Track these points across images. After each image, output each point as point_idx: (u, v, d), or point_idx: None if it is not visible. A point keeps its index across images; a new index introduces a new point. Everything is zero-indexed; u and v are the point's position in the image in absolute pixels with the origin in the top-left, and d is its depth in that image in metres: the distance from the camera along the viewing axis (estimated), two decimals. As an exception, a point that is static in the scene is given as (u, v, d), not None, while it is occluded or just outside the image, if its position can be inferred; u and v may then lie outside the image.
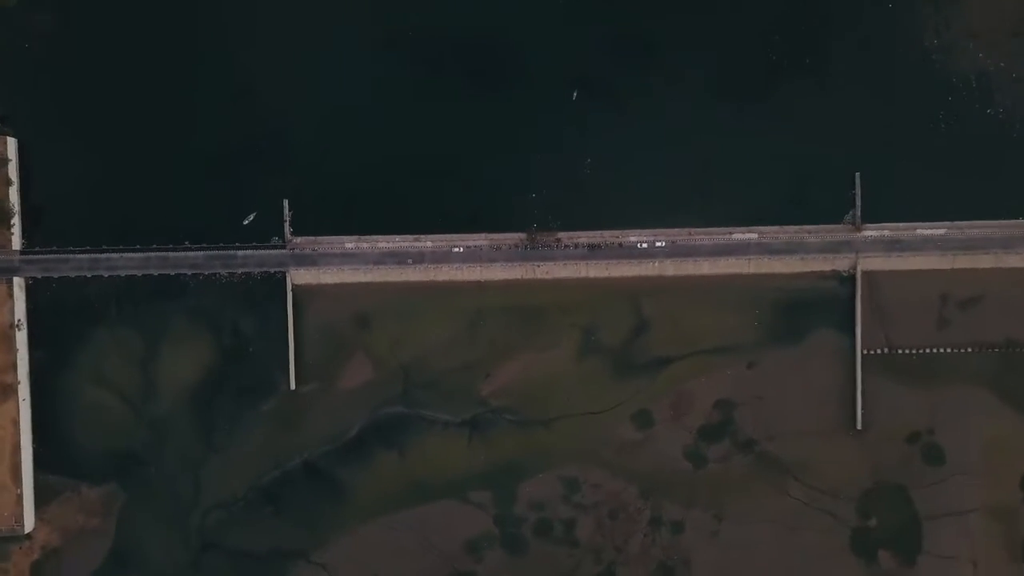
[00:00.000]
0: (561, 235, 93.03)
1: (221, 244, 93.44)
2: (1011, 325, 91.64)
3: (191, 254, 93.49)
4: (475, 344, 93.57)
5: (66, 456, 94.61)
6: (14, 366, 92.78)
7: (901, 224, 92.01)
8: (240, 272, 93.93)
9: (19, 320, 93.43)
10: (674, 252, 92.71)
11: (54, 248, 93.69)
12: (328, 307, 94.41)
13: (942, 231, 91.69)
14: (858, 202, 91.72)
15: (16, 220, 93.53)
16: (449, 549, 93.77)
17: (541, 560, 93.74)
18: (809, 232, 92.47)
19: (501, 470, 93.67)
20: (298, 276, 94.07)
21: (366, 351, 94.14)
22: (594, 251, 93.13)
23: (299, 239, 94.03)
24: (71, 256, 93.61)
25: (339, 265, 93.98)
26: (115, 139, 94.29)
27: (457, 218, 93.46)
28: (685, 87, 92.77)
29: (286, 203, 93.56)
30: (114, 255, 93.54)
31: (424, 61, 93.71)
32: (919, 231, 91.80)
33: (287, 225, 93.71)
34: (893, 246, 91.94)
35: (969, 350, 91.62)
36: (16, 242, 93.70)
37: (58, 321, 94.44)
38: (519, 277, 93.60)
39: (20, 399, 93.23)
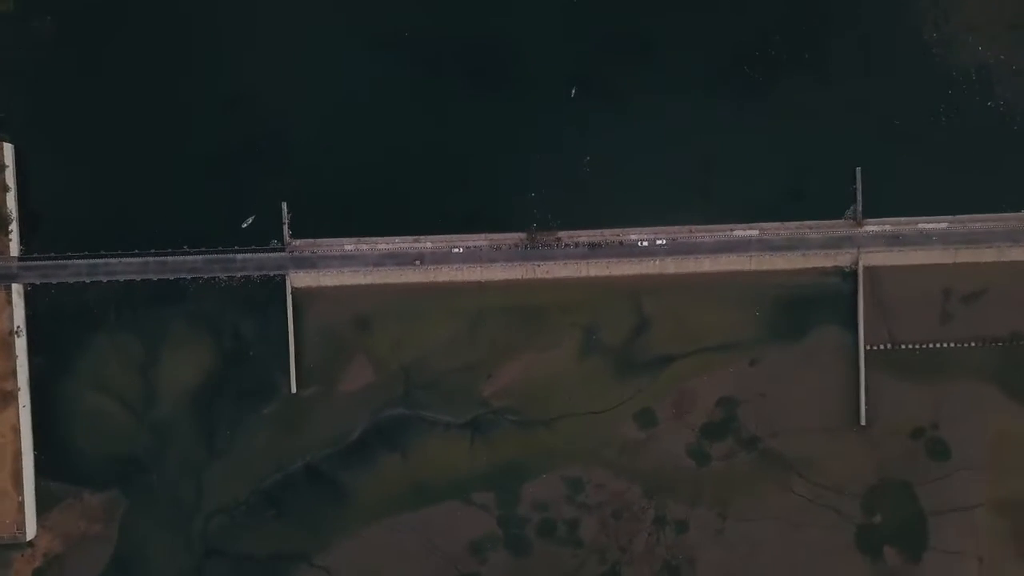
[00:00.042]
0: (561, 234, 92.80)
1: (220, 248, 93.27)
2: (1015, 319, 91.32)
3: (190, 258, 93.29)
4: (476, 345, 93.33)
5: (67, 462, 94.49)
6: (14, 373, 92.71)
7: (902, 219, 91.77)
8: (239, 276, 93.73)
9: (18, 327, 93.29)
10: (675, 250, 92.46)
11: (52, 254, 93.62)
12: (328, 309, 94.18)
13: (944, 225, 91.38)
14: (859, 197, 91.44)
15: (14, 226, 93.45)
16: (452, 551, 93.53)
17: (545, 561, 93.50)
18: (810, 228, 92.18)
19: (504, 471, 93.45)
20: (298, 279, 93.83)
21: (367, 353, 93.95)
22: (594, 250, 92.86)
23: (298, 242, 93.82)
24: (70, 262, 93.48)
25: (339, 267, 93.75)
26: (112, 144, 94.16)
27: (457, 218, 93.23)
28: (684, 85, 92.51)
29: (285, 206, 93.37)
30: (113, 260, 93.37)
31: (423, 61, 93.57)
32: (921, 225, 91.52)
33: (286, 228, 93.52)
34: (895, 241, 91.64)
35: (973, 344, 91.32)
36: (14, 248, 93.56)
37: (57, 327, 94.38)
38: (519, 277, 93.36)
39: (20, 406, 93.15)
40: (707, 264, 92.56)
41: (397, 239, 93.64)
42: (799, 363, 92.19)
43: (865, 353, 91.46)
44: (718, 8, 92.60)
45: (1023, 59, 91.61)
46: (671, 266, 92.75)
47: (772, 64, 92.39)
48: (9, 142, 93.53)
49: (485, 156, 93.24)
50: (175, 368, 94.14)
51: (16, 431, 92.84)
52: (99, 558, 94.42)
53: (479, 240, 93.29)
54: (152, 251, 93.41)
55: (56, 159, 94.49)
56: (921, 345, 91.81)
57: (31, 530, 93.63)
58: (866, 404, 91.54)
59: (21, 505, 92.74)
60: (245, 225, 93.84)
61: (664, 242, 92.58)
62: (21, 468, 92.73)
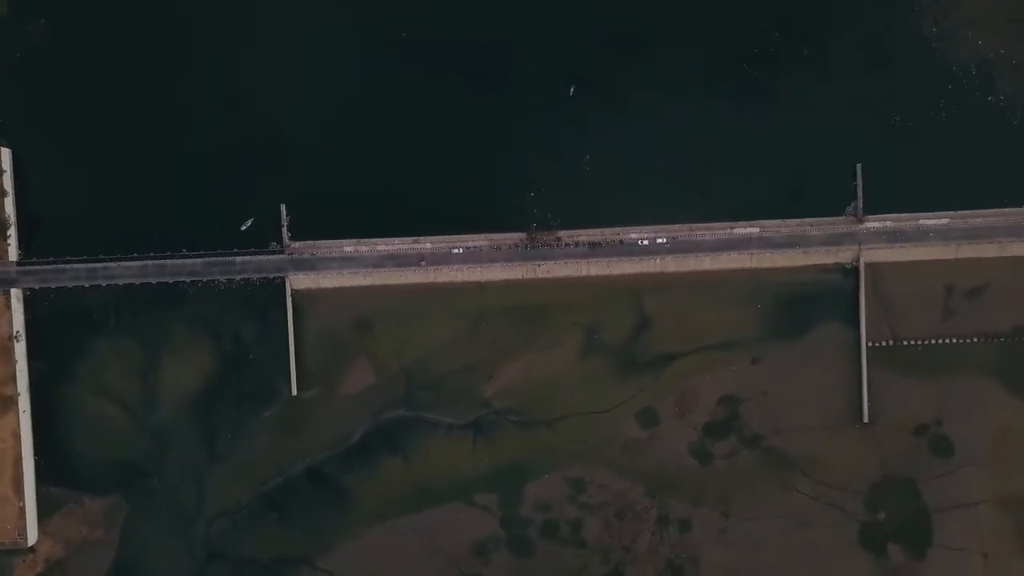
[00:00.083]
0: (561, 234, 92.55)
1: (219, 251, 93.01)
2: (1017, 314, 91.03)
3: (189, 261, 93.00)
4: (477, 345, 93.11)
5: (68, 468, 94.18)
6: (13, 378, 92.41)
7: (903, 215, 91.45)
8: (239, 278, 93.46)
9: (17, 331, 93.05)
10: (675, 248, 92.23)
11: (51, 258, 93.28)
12: (328, 311, 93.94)
13: (945, 221, 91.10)
14: (860, 193, 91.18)
15: (12, 231, 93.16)
16: (455, 552, 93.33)
17: (548, 561, 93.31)
18: (811, 225, 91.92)
19: (506, 472, 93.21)
20: (297, 281, 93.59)
21: (367, 355, 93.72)
22: (595, 249, 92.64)
23: (297, 244, 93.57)
24: (68, 266, 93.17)
25: (338, 269, 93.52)
26: (110, 147, 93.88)
27: (456, 219, 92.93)
28: (683, 83, 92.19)
29: (283, 208, 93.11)
30: (112, 264, 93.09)
31: (422, 61, 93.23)
32: (922, 221, 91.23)
33: (285, 230, 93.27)
34: (896, 237, 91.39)
35: (975, 340, 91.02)
36: (13, 253, 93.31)
37: (57, 332, 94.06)
38: (520, 277, 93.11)
39: (20, 411, 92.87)
40: (708, 262, 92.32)
41: (397, 240, 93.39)
42: (801, 361, 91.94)
43: (867, 350, 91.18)
44: (717, 6, 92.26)
45: (1023, 53, 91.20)
46: (672, 264, 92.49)
47: (771, 61, 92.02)
48: (6, 146, 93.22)
49: (484, 156, 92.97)
50: (175, 372, 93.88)
51: (16, 436, 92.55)
52: (101, 563, 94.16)
53: (479, 240, 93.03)
54: (151, 254, 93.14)
55: (54, 163, 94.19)
56: (923, 341, 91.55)
57: (32, 536, 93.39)
58: (869, 401, 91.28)
59: (22, 511, 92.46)
60: (244, 228, 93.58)
61: (665, 240, 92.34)
62: (22, 473, 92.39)
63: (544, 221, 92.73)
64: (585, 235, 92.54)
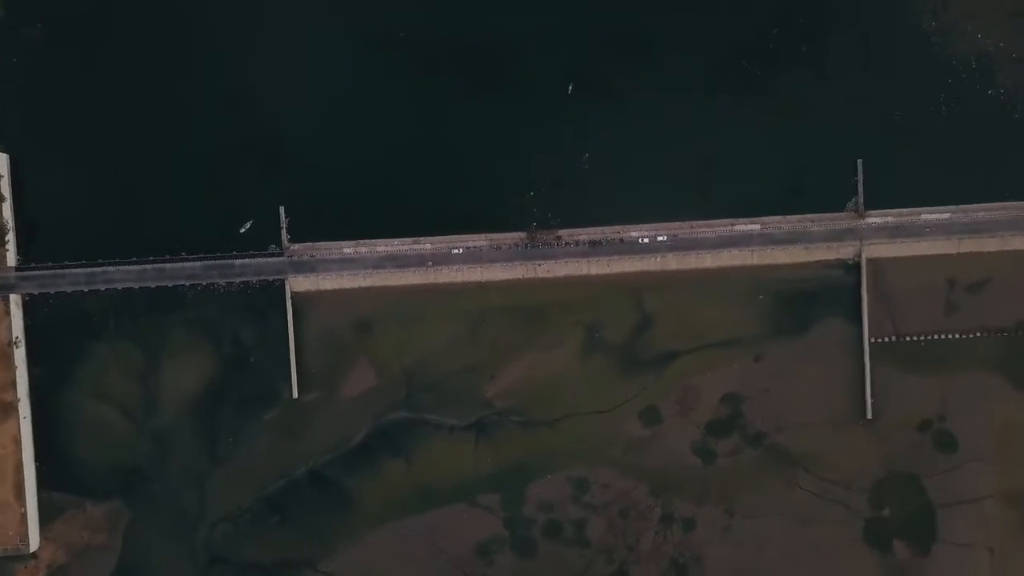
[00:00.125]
0: (561, 233, 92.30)
1: (218, 254, 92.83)
2: (1020, 308, 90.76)
3: (188, 265, 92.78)
4: (478, 346, 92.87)
5: (69, 473, 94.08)
6: (13, 384, 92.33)
7: (905, 210, 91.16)
8: (238, 281, 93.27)
9: (17, 337, 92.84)
10: (676, 246, 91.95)
11: (50, 263, 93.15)
12: (328, 313, 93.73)
13: (947, 215, 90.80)
14: (861, 189, 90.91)
15: (10, 236, 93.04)
16: (458, 554, 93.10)
17: (552, 561, 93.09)
18: (812, 221, 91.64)
19: (509, 472, 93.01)
20: (297, 283, 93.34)
21: (368, 357, 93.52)
22: (595, 248, 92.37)
23: (297, 246, 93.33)
24: (67, 271, 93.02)
25: (338, 271, 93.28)
26: (107, 151, 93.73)
27: (456, 219, 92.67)
28: (682, 80, 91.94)
29: (282, 210, 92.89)
30: (111, 268, 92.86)
31: (420, 61, 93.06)
32: (923, 216, 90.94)
33: (284, 232, 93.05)
34: (897, 232, 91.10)
35: (978, 335, 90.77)
36: (11, 259, 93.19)
37: (57, 337, 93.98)
38: (520, 277, 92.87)
39: (21, 417, 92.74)
40: (709, 260, 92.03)
41: (396, 241, 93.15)
42: (803, 358, 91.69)
43: (870, 346, 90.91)
44: (716, 2, 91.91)
45: (1023, 46, 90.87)
46: (672, 262, 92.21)
47: (771, 58, 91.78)
48: (3, 151, 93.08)
49: (484, 156, 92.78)
50: (176, 376, 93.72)
51: (17, 442, 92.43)
52: (103, 569, 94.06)
53: (479, 240, 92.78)
54: (150, 258, 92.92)
55: (51, 167, 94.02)
56: (926, 337, 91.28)
57: (34, 542, 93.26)
58: (872, 397, 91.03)
59: (24, 517, 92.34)
60: (243, 230, 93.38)
61: (665, 238, 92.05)
62: (23, 479, 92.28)
63: (544, 220, 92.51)
64: (585, 234, 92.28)
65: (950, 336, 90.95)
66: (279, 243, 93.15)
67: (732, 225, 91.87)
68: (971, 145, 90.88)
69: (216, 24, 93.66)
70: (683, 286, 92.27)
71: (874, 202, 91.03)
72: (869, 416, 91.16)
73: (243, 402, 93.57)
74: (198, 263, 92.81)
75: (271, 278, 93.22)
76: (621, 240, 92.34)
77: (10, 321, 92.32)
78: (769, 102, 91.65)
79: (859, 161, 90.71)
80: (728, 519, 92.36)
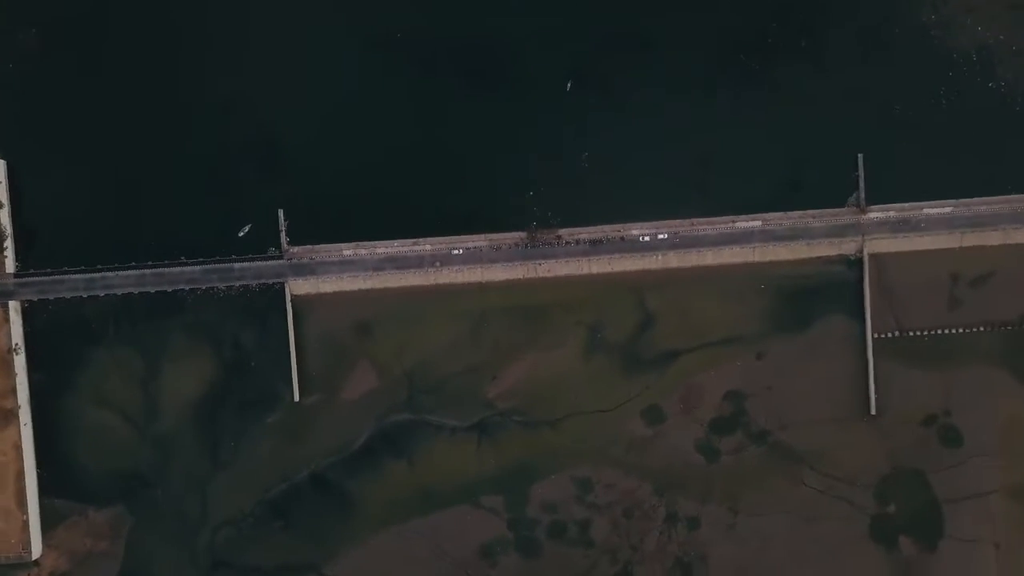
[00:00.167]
0: (562, 232, 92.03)
1: (217, 257, 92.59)
2: (1023, 302, 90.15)
3: (187, 269, 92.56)
4: (479, 347, 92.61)
5: (71, 479, 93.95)
6: (14, 391, 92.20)
7: (906, 204, 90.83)
8: (238, 285, 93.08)
9: (17, 344, 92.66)
10: (677, 244, 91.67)
11: (49, 270, 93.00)
12: (329, 316, 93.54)
13: (948, 209, 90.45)
14: (862, 184, 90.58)
15: (9, 243, 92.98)
16: (462, 555, 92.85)
17: (556, 562, 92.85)
18: (813, 217, 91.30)
19: (512, 473, 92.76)
20: (297, 286, 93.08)
21: (369, 359, 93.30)
22: (596, 246, 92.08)
23: (296, 248, 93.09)
24: (66, 277, 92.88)
25: (338, 273, 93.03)
26: (105, 156, 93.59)
27: (456, 219, 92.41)
28: (681, 77, 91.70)
29: (281, 212, 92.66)
30: (110, 274, 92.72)
31: (418, 62, 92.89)
32: (925, 210, 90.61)
33: (283, 235, 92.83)
34: (899, 227, 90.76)
35: (982, 329, 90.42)
36: (10, 265, 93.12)
37: (56, 343, 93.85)
38: (521, 276, 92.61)
39: (22, 424, 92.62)
40: (710, 257, 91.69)
41: (396, 242, 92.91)
42: (806, 354, 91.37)
43: (873, 341, 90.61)
44: (714, 0, 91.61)
45: (1023, 39, 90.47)
46: (674, 260, 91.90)
47: (769, 53, 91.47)
48: (1, 158, 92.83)
49: (483, 155, 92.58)
50: (176, 380, 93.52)
51: (18, 449, 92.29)
52: (106, 575, 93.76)
53: (479, 241, 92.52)
54: (149, 263, 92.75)
55: (49, 173, 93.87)
56: (929, 331, 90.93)
57: (36, 549, 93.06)
58: (876, 393, 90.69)
59: (26, 524, 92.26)
60: (242, 234, 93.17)
61: (666, 236, 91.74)
62: (24, 487, 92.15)
63: (544, 220, 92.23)
64: (586, 233, 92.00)
65: (954, 331, 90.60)
66: (278, 246, 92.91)
67: (733, 222, 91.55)
68: (972, 138, 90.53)
69: (212, 27, 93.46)
70: (685, 284, 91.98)
71: (875, 197, 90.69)
72: (873, 412, 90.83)
73: (244, 406, 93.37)
74: (197, 267, 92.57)
75: (271, 281, 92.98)
76: (622, 239, 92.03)
77: (9, 328, 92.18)
78: (769, 97, 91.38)
79: (860, 156, 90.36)
80: (732, 517, 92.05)
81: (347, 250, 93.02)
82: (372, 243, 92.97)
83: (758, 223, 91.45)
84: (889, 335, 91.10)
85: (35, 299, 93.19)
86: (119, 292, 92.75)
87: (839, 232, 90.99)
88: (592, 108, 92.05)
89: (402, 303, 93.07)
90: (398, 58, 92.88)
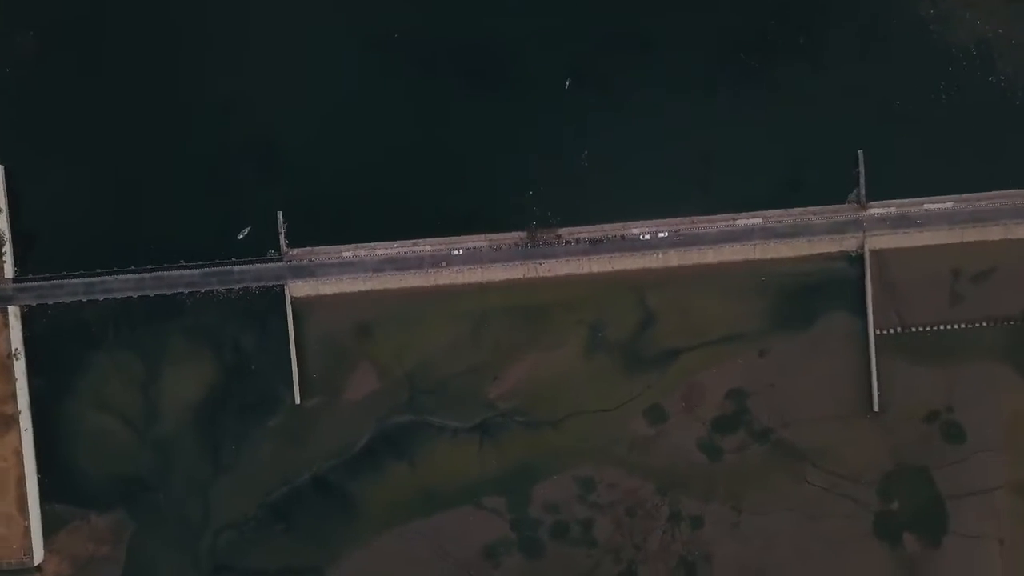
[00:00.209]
0: (561, 231, 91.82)
1: (216, 260, 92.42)
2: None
3: (187, 272, 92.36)
4: (480, 347, 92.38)
5: (72, 484, 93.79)
6: (14, 396, 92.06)
7: (907, 200, 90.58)
8: (238, 288, 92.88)
9: (16, 349, 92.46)
10: (677, 242, 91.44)
11: (47, 274, 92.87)
12: (329, 318, 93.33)
13: (949, 205, 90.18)
14: (862, 180, 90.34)
15: (7, 248, 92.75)
16: (465, 557, 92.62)
17: (559, 562, 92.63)
18: (814, 214, 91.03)
19: (514, 474, 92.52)
20: (296, 288, 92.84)
21: (370, 360, 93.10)
22: (596, 245, 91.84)
23: (295, 251, 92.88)
24: (65, 281, 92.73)
25: (337, 275, 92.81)
26: (102, 160, 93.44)
27: (455, 219, 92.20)
28: (680, 75, 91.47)
29: (280, 215, 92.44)
30: (109, 278, 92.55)
31: (416, 62, 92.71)
32: (926, 206, 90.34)
33: (282, 237, 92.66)
34: (900, 223, 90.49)
35: (984, 324, 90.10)
36: (9, 270, 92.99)
37: (56, 348, 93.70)
38: (521, 276, 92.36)
39: (22, 429, 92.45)
40: (711, 255, 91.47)
41: (396, 243, 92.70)
42: (808, 351, 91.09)
43: (875, 338, 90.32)
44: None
45: (1022, 32, 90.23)
46: (674, 258, 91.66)
47: (768, 50, 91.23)
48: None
49: (482, 155, 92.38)
50: (177, 384, 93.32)
51: (19, 455, 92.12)
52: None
53: (479, 241, 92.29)
54: (148, 267, 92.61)
55: (47, 178, 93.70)
56: (931, 327, 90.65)
57: (38, 554, 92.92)
58: (878, 390, 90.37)
59: (27, 529, 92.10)
60: (241, 236, 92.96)
61: (666, 234, 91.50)
62: (26, 492, 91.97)
63: (544, 219, 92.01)
64: (586, 232, 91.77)
65: (956, 326, 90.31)
66: (278, 248, 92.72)
67: (734, 220, 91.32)
68: (972, 133, 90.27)
69: (210, 29, 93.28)
70: (685, 282, 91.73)
71: (876, 193, 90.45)
72: (876, 409, 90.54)
73: (245, 409, 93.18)
74: (197, 270, 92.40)
75: (270, 284, 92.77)
76: (622, 237, 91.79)
77: (9, 333, 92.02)
78: (768, 95, 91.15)
79: (860, 152, 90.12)
80: (736, 516, 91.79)
81: (347, 252, 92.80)
82: (372, 244, 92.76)
83: (759, 220, 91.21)
84: (891, 331, 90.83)
85: (34, 304, 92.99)
86: (118, 296, 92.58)
87: (840, 229, 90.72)
88: (592, 107, 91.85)
89: (402, 304, 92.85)
90: (397, 58, 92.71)
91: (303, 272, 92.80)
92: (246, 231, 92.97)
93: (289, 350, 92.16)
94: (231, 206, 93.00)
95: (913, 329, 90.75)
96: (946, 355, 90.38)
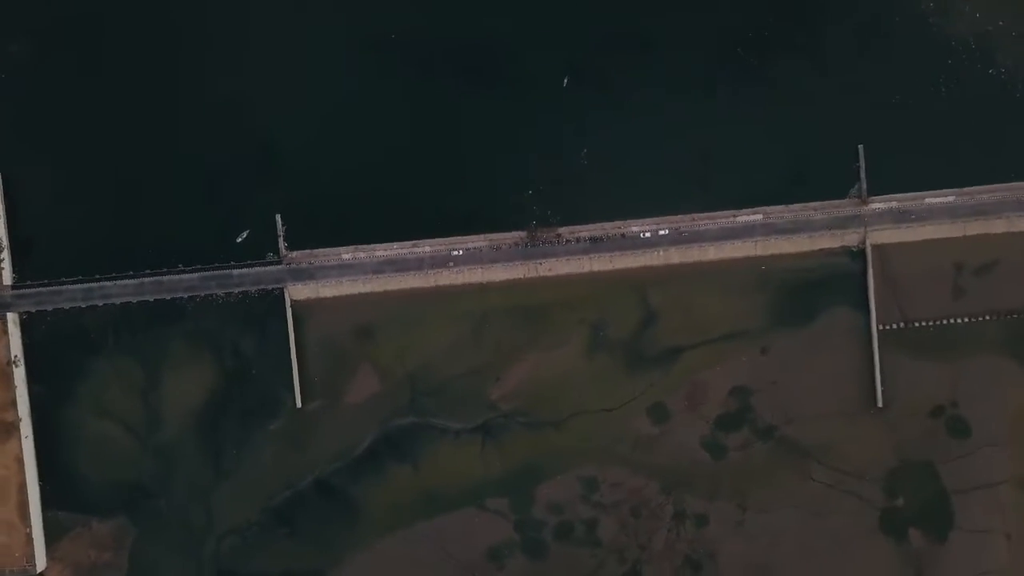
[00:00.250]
0: (561, 230, 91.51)
1: (216, 264, 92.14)
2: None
3: (186, 276, 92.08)
4: (481, 348, 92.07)
5: (74, 491, 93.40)
6: (14, 403, 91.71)
7: (908, 194, 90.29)
8: (237, 291, 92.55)
9: (16, 356, 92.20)
10: (678, 239, 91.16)
11: (46, 280, 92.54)
12: (329, 321, 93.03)
13: (951, 198, 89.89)
14: (863, 175, 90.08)
15: (5, 254, 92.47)
16: (469, 558, 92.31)
17: (564, 563, 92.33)
18: (815, 209, 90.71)
19: (517, 474, 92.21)
20: (296, 291, 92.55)
21: (371, 363, 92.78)
22: (596, 244, 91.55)
23: (295, 253, 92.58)
24: (64, 287, 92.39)
25: (337, 277, 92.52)
26: (100, 165, 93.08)
27: (455, 220, 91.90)
28: (679, 73, 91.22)
29: (279, 217, 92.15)
30: (107, 283, 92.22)
31: (415, 62, 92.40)
32: (927, 200, 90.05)
33: (281, 240, 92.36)
34: (902, 217, 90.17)
35: (988, 318, 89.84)
36: (7, 277, 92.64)
37: (56, 354, 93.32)
38: (521, 276, 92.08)
39: (23, 436, 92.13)
40: (712, 252, 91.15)
41: (395, 245, 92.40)
42: (811, 348, 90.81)
43: (878, 333, 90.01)
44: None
45: (1022, 24, 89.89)
46: (675, 256, 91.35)
47: (767, 45, 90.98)
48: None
49: (482, 155, 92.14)
50: (177, 389, 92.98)
51: (20, 462, 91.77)
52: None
53: (479, 241, 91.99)
54: (147, 271, 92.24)
55: (44, 184, 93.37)
56: (935, 322, 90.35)
57: (41, 562, 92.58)
58: (882, 385, 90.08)
59: (29, 537, 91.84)
60: (240, 240, 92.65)
61: (667, 232, 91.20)
62: (27, 499, 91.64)
63: (544, 218, 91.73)
64: (586, 230, 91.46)
65: (959, 320, 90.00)
66: (277, 251, 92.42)
67: (734, 216, 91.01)
68: (973, 126, 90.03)
69: (207, 31, 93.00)
70: (687, 280, 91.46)
71: (877, 187, 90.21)
72: (880, 404, 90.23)
73: (246, 413, 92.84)
74: (196, 275, 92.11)
75: (270, 287, 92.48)
76: (622, 235, 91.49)
77: (8, 340, 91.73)
78: (767, 91, 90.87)
79: (860, 146, 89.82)
80: (741, 514, 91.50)
81: (346, 254, 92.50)
82: (371, 246, 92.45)
83: (759, 217, 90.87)
84: (894, 326, 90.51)
85: (33, 310, 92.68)
86: (117, 301, 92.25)
87: (841, 224, 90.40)
88: (591, 106, 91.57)
89: (403, 306, 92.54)
90: (396, 58, 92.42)
91: (302, 275, 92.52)
92: (245, 234, 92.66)
93: (289, 353, 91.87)
94: (229, 209, 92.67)
95: (916, 324, 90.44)
96: (950, 349, 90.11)
